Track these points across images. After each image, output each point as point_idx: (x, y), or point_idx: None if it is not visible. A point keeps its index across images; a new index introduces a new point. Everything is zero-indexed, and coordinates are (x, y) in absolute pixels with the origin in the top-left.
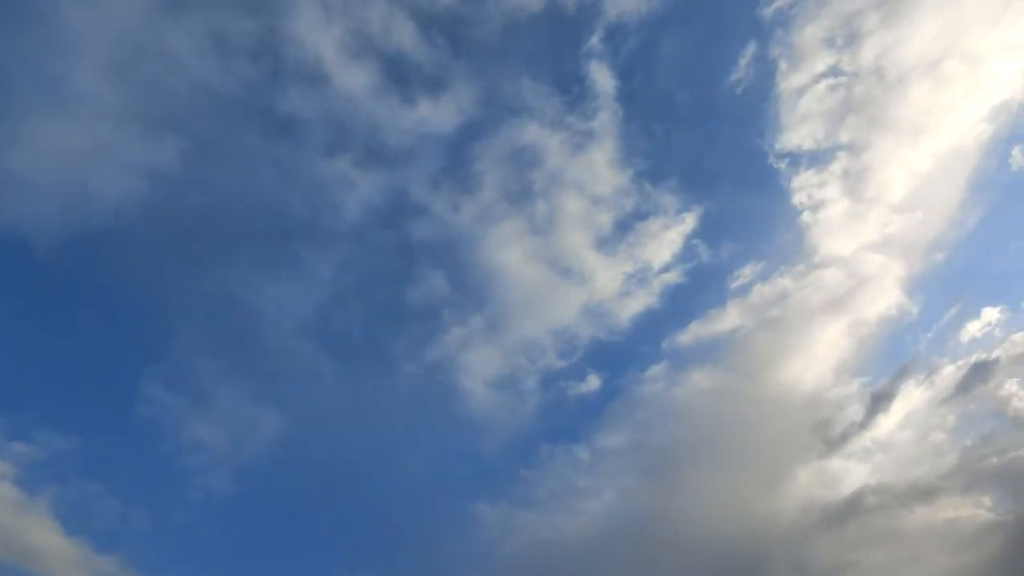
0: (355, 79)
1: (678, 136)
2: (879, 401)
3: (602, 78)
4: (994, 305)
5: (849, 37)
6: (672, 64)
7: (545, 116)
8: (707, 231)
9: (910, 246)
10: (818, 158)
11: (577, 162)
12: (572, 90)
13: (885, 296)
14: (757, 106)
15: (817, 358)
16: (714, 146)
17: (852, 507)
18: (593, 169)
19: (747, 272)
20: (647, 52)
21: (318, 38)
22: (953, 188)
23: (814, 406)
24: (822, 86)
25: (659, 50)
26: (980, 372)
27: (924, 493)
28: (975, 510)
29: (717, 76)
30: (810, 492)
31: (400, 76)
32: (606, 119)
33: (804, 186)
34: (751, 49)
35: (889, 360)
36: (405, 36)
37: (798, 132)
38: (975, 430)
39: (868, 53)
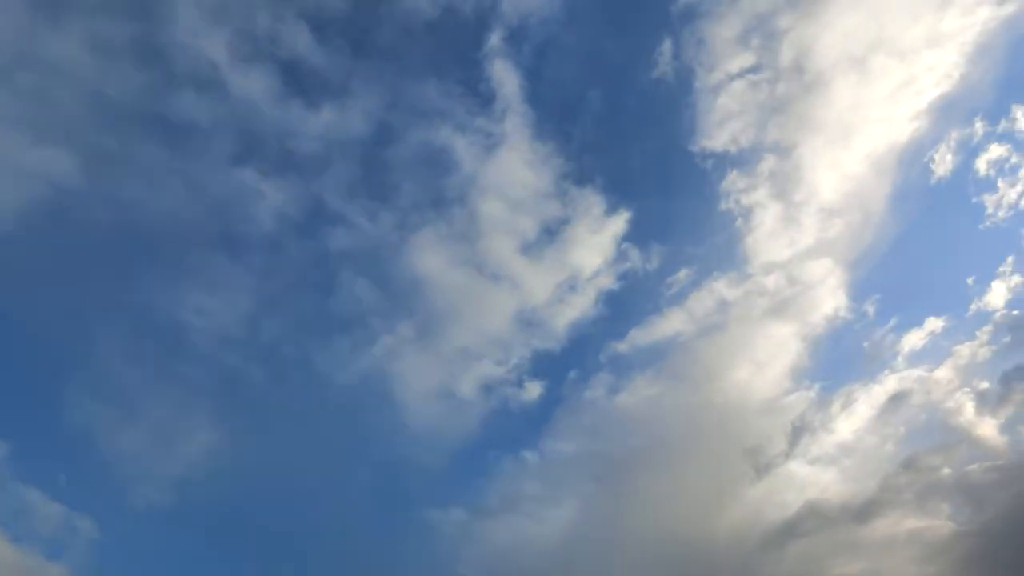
0: (252, 84)
1: (596, 136)
2: (827, 409)
3: (508, 79)
4: (937, 315)
5: (767, 34)
6: (582, 62)
7: (454, 119)
8: (637, 235)
9: (844, 251)
10: (745, 159)
11: (493, 165)
12: (479, 92)
13: (824, 303)
14: (677, 105)
15: (761, 365)
16: (635, 146)
17: (805, 519)
18: (510, 172)
19: (682, 277)
20: (553, 51)
21: (205, 42)
22: (884, 190)
23: (762, 414)
24: (742, 84)
25: (565, 48)
26: (924, 384)
27: (879, 504)
28: (935, 520)
29: (632, 74)
30: (760, 504)
31: (299, 81)
32: (517, 120)
33: (732, 188)
34: (667, 46)
35: (834, 367)
36: (299, 40)
37: (722, 132)
38: (927, 440)
39: (788, 50)
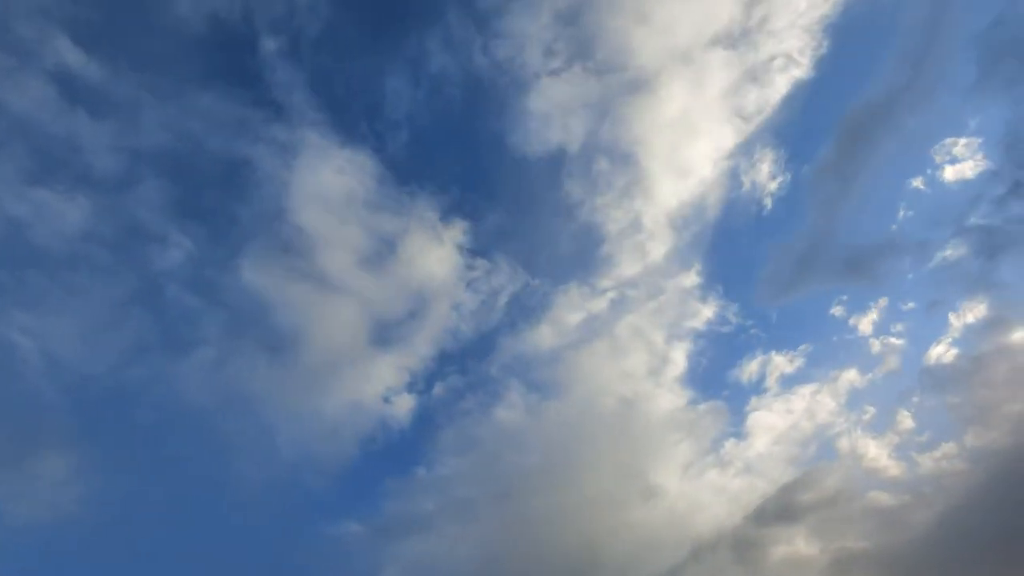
0: (25, 97)
1: (412, 139)
2: (713, 426)
3: (294, 83)
4: (807, 337)
5: (588, 33)
6: (373, 60)
7: (250, 130)
8: (480, 245)
9: (692, 259)
10: (580, 162)
11: (304, 175)
12: (269, 100)
13: (689, 315)
14: (496, 104)
15: (636, 376)
16: (459, 148)
17: (697, 549)
18: (325, 181)
19: (537, 287)
20: (335, 50)
21: None
22: (721, 194)
23: (647, 429)
24: (564, 83)
25: (349, 46)
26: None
27: (769, 524)
28: (825, 544)
29: (438, 71)
30: (652, 529)
31: (75, 93)
32: (316, 127)
33: (572, 194)
34: (477, 41)
35: (708, 383)
36: (65, 50)
37: (550, 133)
38: (813, 463)
39: (615, 49)
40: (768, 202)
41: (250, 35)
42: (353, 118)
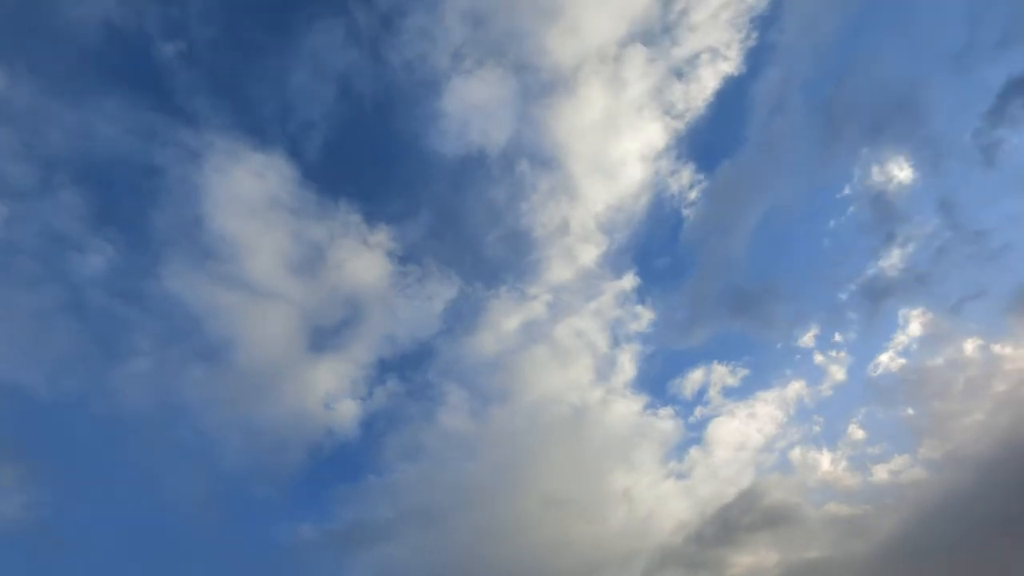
0: None
1: (329, 141)
2: (664, 433)
3: (198, 87)
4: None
5: (498, 33)
6: (277, 61)
7: (158, 136)
8: (409, 250)
9: (625, 263)
10: (504, 164)
11: (219, 180)
12: (173, 106)
13: (629, 320)
14: (413, 104)
15: (584, 381)
16: (379, 151)
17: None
18: (243, 187)
19: (474, 293)
20: (236, 52)
21: None
22: (651, 196)
23: (603, 435)
24: (484, 85)
25: (248, 47)
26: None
27: (728, 531)
28: (772, 554)
29: (348, 70)
30: (607, 539)
31: None
32: (226, 132)
33: (500, 197)
34: (384, 39)
35: (660, 387)
36: None
37: (472, 135)
38: (767, 473)
39: (528, 49)
40: (689, 210)
41: (144, 40)
42: (262, 121)
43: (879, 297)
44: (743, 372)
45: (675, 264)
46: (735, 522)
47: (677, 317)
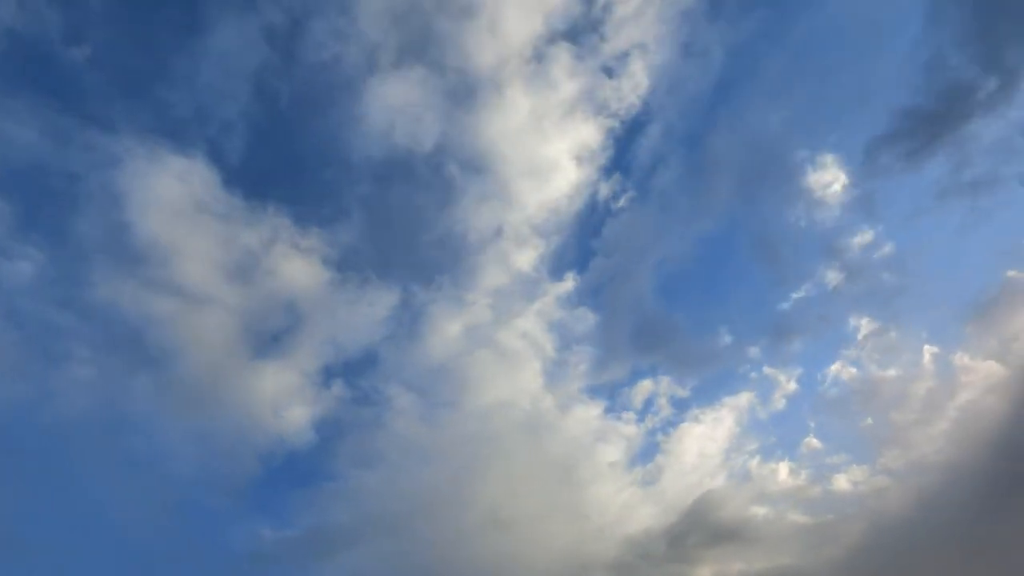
0: None
1: (250, 142)
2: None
3: (110, 93)
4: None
5: (417, 33)
6: (188, 61)
7: (63, 138)
8: (344, 257)
9: (563, 268)
10: (432, 167)
11: (144, 184)
12: (73, 106)
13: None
14: (336, 103)
15: (533, 386)
16: (304, 151)
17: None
18: (165, 190)
19: (414, 298)
20: (147, 55)
21: None
22: (585, 198)
23: (556, 442)
24: (406, 85)
25: (160, 50)
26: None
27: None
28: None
29: (262, 66)
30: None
31: None
32: (138, 133)
33: (430, 201)
34: (297, 36)
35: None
36: None
37: (397, 138)
38: (729, 479)
39: (449, 50)
40: (618, 216)
41: (48, 45)
42: (179, 123)
43: (825, 308)
44: (692, 383)
45: (616, 271)
46: (691, 535)
47: (622, 324)
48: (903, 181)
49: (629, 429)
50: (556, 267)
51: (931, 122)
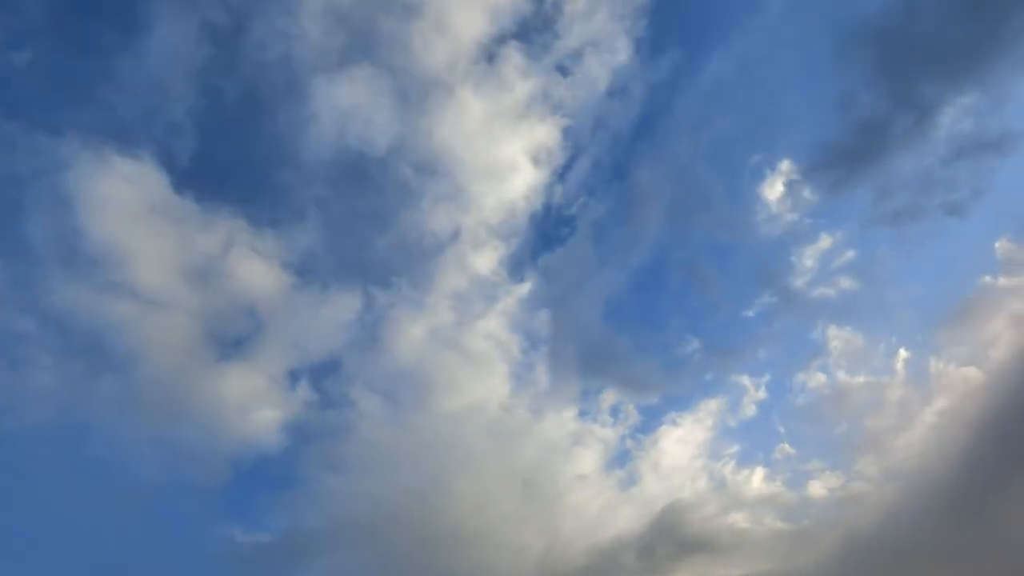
0: None
1: (197, 143)
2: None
3: (49, 95)
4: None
5: (365, 32)
6: (130, 60)
7: (12, 144)
8: (301, 260)
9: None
10: (385, 168)
11: (93, 187)
12: (24, 113)
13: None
14: (283, 100)
15: (502, 390)
16: (254, 153)
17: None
18: (121, 193)
19: (376, 301)
20: (85, 55)
21: None
22: (543, 199)
23: (527, 447)
24: (361, 85)
25: (99, 49)
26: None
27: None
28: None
29: (204, 63)
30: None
31: None
32: (95, 136)
33: (386, 203)
34: (242, 32)
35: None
36: None
37: (350, 138)
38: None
39: (398, 49)
40: (583, 217)
41: None
42: (126, 124)
43: (797, 314)
44: (659, 389)
45: (575, 274)
46: (665, 542)
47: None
48: (832, 205)
49: (606, 432)
50: (515, 269)
51: (848, 157)
